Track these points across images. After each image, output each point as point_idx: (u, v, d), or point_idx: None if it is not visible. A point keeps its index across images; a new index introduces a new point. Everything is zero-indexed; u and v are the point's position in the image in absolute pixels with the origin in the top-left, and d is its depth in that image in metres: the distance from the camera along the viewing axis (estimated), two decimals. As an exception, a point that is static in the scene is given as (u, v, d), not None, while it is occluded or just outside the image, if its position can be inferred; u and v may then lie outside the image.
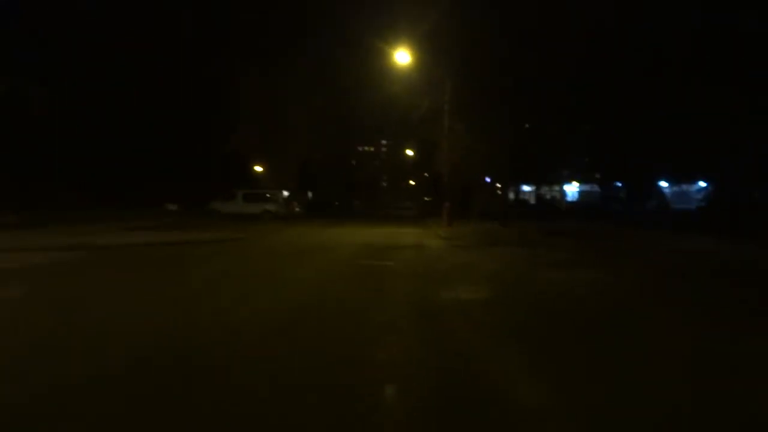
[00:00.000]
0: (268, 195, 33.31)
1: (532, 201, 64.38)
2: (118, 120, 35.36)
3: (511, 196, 77.06)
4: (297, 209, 37.21)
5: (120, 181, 34.88)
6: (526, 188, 75.23)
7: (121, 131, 35.35)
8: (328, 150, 58.31)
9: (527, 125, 27.53)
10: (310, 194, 64.10)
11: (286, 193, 58.09)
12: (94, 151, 34.07)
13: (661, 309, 7.42)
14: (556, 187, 68.36)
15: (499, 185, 79.82)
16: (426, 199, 57.22)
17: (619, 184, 55.01)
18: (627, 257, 13.86)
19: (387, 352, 5.22)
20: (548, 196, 64.64)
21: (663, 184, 52.47)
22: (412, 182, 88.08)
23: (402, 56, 24.45)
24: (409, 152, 70.62)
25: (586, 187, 65.56)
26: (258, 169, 49.60)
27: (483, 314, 6.93)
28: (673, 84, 26.72)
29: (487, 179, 70.94)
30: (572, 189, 69.70)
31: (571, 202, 65.59)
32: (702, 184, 46.19)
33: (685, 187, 45.43)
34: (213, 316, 6.47)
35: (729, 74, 24.55)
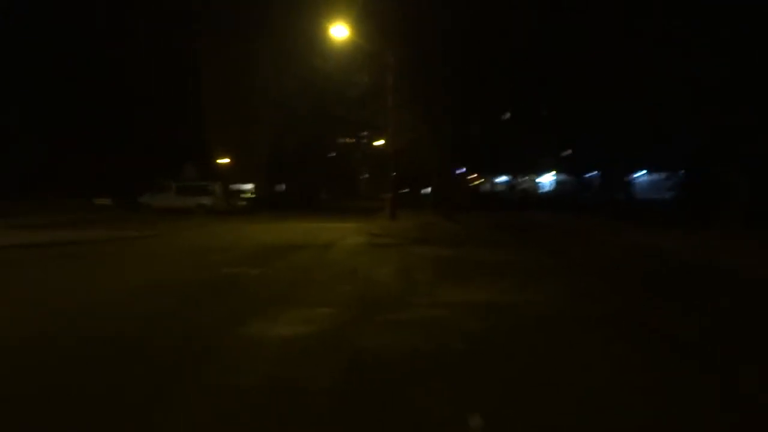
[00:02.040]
0: (204, 187, 30.52)
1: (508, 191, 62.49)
2: (46, 106, 32.41)
3: (488, 186, 75.27)
4: (241, 203, 34.50)
5: (45, 172, 31.95)
6: (502, 179, 73.37)
7: (48, 119, 32.39)
8: (301, 141, 55.47)
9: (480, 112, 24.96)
10: (283, 186, 61.40)
11: (251, 186, 55.56)
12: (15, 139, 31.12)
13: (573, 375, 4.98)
14: (526, 177, 66.47)
15: (474, 175, 78.07)
16: (386, 193, 54.67)
17: (594, 174, 53.10)
18: (564, 258, 11.48)
19: None
20: (521, 187, 62.53)
21: (639, 173, 50.56)
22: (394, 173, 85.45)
23: (338, 30, 21.82)
24: (381, 142, 68.29)
25: (562, 177, 63.55)
26: (224, 161, 46.84)
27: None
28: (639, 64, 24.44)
29: (462, 169, 68.97)
30: (548, 179, 67.85)
31: (547, 192, 63.71)
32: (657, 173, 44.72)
33: (657, 176, 43.40)
34: None
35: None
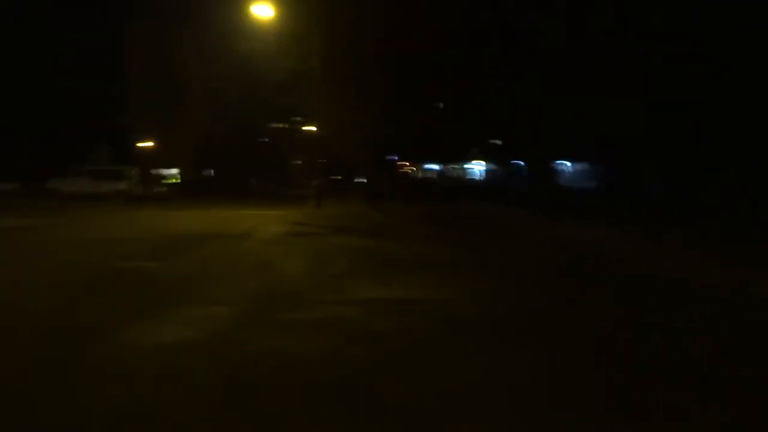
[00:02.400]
0: (120, 172, 28.69)
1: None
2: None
3: (419, 174, 75.47)
4: (161, 189, 32.79)
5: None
6: (433, 167, 73.81)
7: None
8: (232, 125, 53.40)
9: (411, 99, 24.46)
10: (211, 172, 59.24)
11: (176, 171, 53.12)
12: None
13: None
14: (457, 166, 67.28)
15: (407, 163, 78.07)
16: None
17: (521, 163, 54.19)
18: (485, 252, 11.26)
19: None
20: (453, 175, 63.03)
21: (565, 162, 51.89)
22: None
23: (262, 10, 20.80)
24: (312, 128, 67.07)
25: (491, 166, 64.62)
26: (145, 144, 44.30)
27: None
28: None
29: (394, 157, 68.72)
30: (478, 167, 68.83)
31: (477, 180, 64.53)
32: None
33: (582, 166, 44.71)
34: None
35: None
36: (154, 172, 34.70)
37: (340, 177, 56.43)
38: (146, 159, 37.56)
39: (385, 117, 25.91)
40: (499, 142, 54.76)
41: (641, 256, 10.45)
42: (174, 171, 51.99)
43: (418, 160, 71.71)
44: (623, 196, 25.70)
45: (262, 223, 16.53)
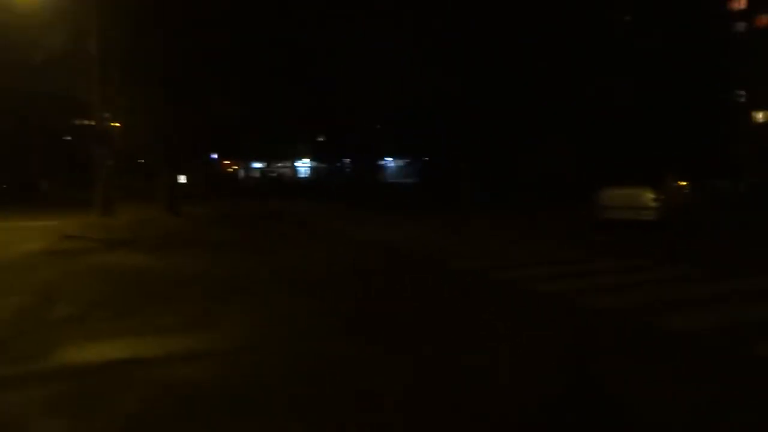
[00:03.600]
0: None
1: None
2: None
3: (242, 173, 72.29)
4: None
5: None
6: (258, 165, 71.14)
7: None
8: (18, 122, 45.57)
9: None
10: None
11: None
12: None
13: None
14: (283, 164, 65.73)
15: (227, 162, 74.07)
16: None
17: (346, 161, 54.02)
18: (283, 264, 9.79)
19: None
20: (272, 174, 61.15)
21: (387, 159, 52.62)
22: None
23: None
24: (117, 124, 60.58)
25: (317, 164, 63.79)
26: None
27: None
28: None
29: (214, 156, 64.70)
30: (305, 165, 67.72)
31: (302, 178, 63.46)
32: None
33: (402, 162, 45.61)
34: None
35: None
36: None
37: (152, 177, 51.64)
38: None
39: (198, 113, 23.44)
40: (322, 138, 53.91)
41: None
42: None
43: (243, 158, 68.56)
44: (435, 191, 26.25)
45: (24, 236, 13.43)
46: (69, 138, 70.40)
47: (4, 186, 42.24)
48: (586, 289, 7.10)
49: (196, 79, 20.73)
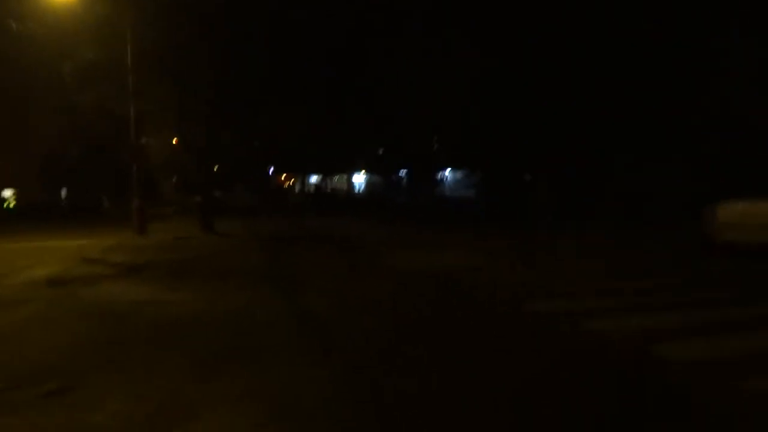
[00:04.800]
0: None
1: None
2: None
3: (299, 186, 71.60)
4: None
5: None
6: (313, 178, 70.38)
7: None
8: (88, 143, 46.68)
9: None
10: (63, 192, 52.32)
11: (10, 192, 45.69)
12: None
13: None
14: (341, 177, 64.51)
15: (284, 175, 73.74)
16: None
17: (402, 173, 52.07)
18: (311, 304, 7.84)
19: None
20: (336, 187, 60.12)
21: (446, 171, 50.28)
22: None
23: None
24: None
25: (372, 177, 62.12)
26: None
27: None
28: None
29: (270, 169, 64.18)
30: (360, 179, 66.23)
31: (357, 192, 62.09)
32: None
33: (461, 173, 43.25)
34: None
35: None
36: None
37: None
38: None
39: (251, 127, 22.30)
40: (381, 151, 52.17)
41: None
42: (7, 193, 45.17)
43: (300, 171, 67.70)
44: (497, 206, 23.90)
45: (38, 260, 12.18)
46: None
47: (63, 204, 42.94)
48: (737, 361, 4.79)
49: (242, 95, 19.46)
